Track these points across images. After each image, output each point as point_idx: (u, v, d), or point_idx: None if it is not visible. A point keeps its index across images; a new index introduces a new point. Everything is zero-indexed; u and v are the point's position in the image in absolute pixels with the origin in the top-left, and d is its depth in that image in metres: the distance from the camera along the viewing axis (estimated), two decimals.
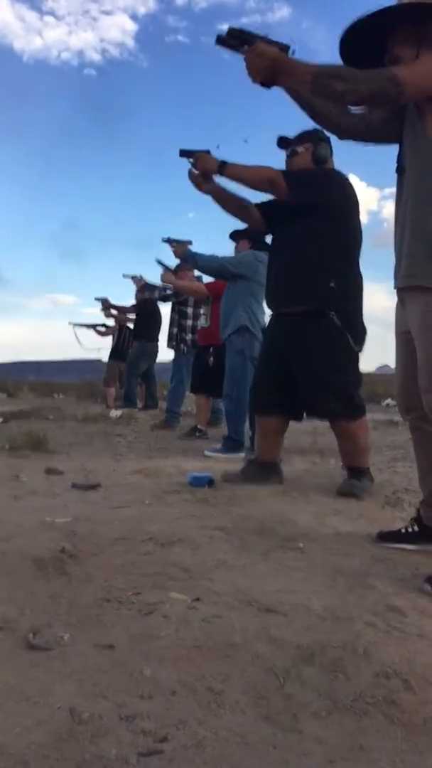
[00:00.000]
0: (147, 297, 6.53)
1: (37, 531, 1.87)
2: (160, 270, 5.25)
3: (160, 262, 5.24)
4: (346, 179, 2.81)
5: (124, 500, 2.41)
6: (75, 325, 8.60)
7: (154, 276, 6.77)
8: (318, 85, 1.64)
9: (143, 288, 6.55)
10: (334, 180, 2.76)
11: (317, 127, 1.97)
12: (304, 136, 2.81)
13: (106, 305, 8.19)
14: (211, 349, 4.74)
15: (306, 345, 2.71)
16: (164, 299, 6.03)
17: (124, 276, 7.19)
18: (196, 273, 5.45)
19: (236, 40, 1.76)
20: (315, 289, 2.68)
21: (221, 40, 1.79)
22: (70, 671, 1.05)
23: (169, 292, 5.83)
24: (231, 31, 1.77)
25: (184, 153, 2.78)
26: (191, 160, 2.73)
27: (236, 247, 4.22)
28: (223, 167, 2.66)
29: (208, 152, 2.73)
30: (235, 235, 4.25)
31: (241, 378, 3.90)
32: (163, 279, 5.13)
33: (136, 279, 7.06)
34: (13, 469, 3.06)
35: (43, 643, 1.14)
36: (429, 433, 1.80)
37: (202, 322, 4.95)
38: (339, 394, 2.70)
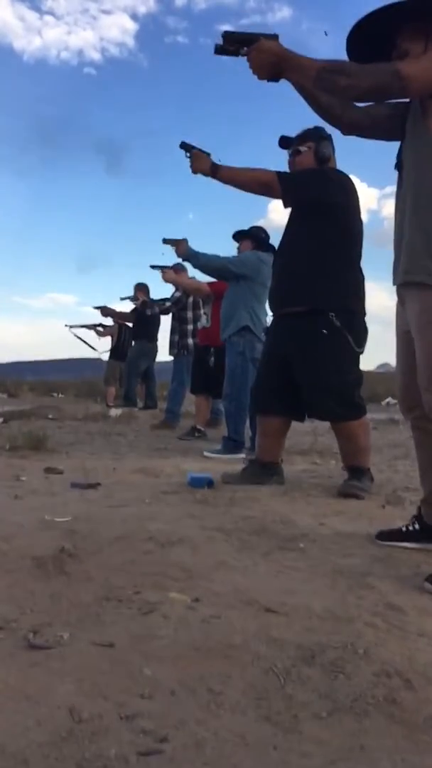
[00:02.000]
0: (149, 314, 6.60)
1: (36, 530, 1.87)
2: (157, 273, 5.27)
3: (154, 267, 5.26)
4: (346, 178, 2.80)
5: (124, 499, 2.41)
6: (72, 327, 8.63)
7: (150, 279, 6.81)
8: (322, 80, 1.64)
9: (144, 306, 6.63)
10: (332, 180, 2.74)
11: (319, 125, 1.98)
12: (306, 135, 2.81)
13: (106, 312, 8.23)
14: (211, 350, 4.74)
15: (305, 346, 2.70)
16: (165, 312, 6.04)
17: (122, 299, 7.31)
18: (190, 274, 5.44)
19: (234, 44, 1.77)
20: (314, 290, 2.68)
21: (220, 49, 1.79)
22: (70, 671, 1.05)
23: (168, 303, 5.85)
24: (226, 36, 1.77)
25: (184, 146, 2.78)
26: (188, 155, 2.73)
27: (238, 248, 4.22)
28: (217, 170, 2.67)
29: (209, 155, 2.74)
30: (237, 236, 4.25)
31: (241, 378, 3.90)
32: (164, 278, 5.13)
33: (135, 299, 7.13)
34: (13, 469, 3.06)
35: (43, 642, 1.14)
36: (430, 431, 1.80)
37: (203, 321, 4.94)
38: (338, 394, 2.70)
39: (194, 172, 2.72)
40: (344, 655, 1.12)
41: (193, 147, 2.74)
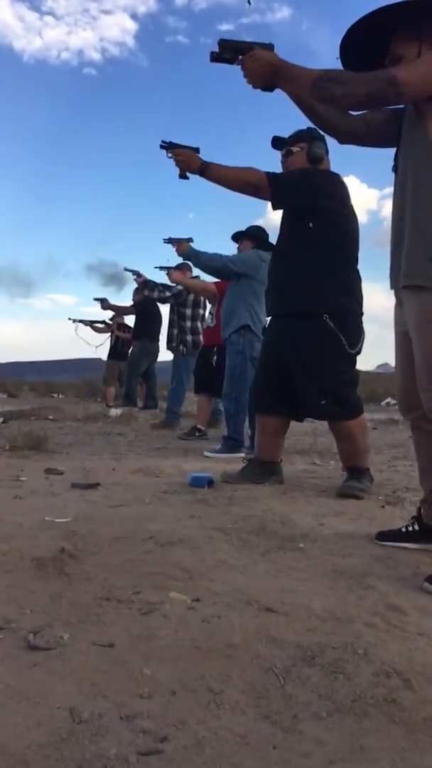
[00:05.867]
0: (146, 295, 6.52)
1: (37, 531, 1.87)
2: (163, 275, 5.26)
3: (160, 268, 5.25)
4: (337, 179, 2.79)
5: (124, 499, 2.41)
6: (75, 321, 8.62)
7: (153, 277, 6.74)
8: (318, 90, 1.64)
9: (143, 285, 6.54)
10: (322, 181, 2.74)
11: (312, 125, 1.97)
12: (299, 136, 2.81)
13: (106, 305, 8.21)
14: (215, 349, 4.74)
15: (299, 347, 2.71)
16: (163, 300, 6.02)
17: (126, 270, 7.21)
18: (194, 272, 5.45)
19: (229, 52, 1.76)
20: (307, 292, 2.68)
21: (216, 57, 1.79)
22: (70, 671, 1.05)
23: (168, 293, 5.83)
24: (222, 44, 1.77)
25: (166, 145, 2.64)
26: (170, 155, 2.62)
27: (238, 248, 4.22)
28: (206, 168, 2.60)
29: (197, 150, 2.64)
30: (237, 236, 4.25)
31: (240, 377, 3.90)
32: (171, 278, 5.13)
33: (136, 274, 7.07)
34: (13, 469, 3.07)
35: (43, 643, 1.14)
36: (429, 432, 1.80)
37: (208, 321, 4.95)
38: (333, 395, 2.70)
39: (181, 171, 2.62)
40: (344, 655, 1.13)
41: (178, 145, 2.64)
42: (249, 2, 2.01)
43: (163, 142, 2.66)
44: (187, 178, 2.65)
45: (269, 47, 1.74)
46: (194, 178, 2.65)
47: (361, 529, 2.09)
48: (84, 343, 8.72)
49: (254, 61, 1.70)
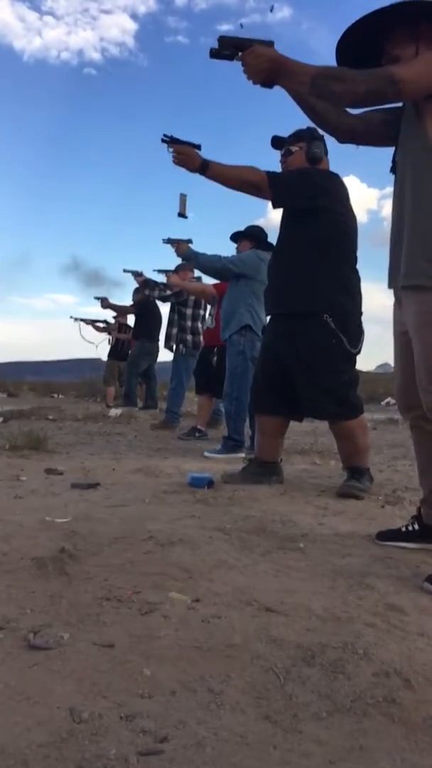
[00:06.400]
0: (147, 294, 6.50)
1: (37, 531, 1.87)
2: (162, 278, 5.26)
3: (159, 271, 5.24)
4: (336, 179, 2.79)
5: (124, 499, 2.41)
6: (77, 319, 8.62)
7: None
8: (317, 87, 1.64)
9: (144, 284, 6.52)
10: (321, 181, 2.74)
11: (311, 125, 1.97)
12: (298, 135, 2.81)
13: (106, 304, 8.21)
14: (215, 349, 4.74)
15: (300, 346, 2.71)
16: (164, 299, 6.02)
17: (125, 271, 7.18)
18: (196, 273, 5.45)
19: (229, 48, 1.76)
20: (308, 292, 2.68)
21: (215, 53, 1.78)
22: (70, 671, 1.05)
23: (169, 292, 5.82)
24: (222, 40, 1.77)
25: (167, 139, 2.61)
26: (170, 149, 2.59)
27: (237, 248, 4.22)
28: (206, 167, 2.58)
29: (198, 147, 2.63)
30: (235, 237, 4.25)
31: (241, 377, 3.90)
32: (169, 282, 5.13)
33: (137, 274, 7.04)
34: (13, 469, 3.06)
35: (43, 643, 1.14)
36: (429, 431, 1.80)
37: (208, 322, 4.95)
38: (334, 395, 2.70)
39: (186, 168, 2.60)
40: (344, 655, 1.13)
41: (179, 140, 2.60)
42: (271, 9, 1.92)
43: (164, 135, 2.62)
44: (185, 217, 2.75)
45: (269, 44, 1.74)
46: (195, 180, 2.67)
47: (361, 528, 2.09)
48: (87, 342, 8.71)
49: (254, 57, 1.70)
